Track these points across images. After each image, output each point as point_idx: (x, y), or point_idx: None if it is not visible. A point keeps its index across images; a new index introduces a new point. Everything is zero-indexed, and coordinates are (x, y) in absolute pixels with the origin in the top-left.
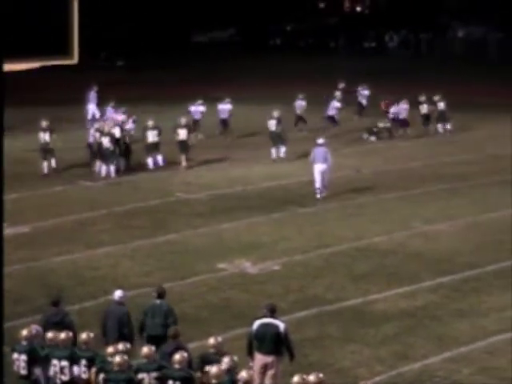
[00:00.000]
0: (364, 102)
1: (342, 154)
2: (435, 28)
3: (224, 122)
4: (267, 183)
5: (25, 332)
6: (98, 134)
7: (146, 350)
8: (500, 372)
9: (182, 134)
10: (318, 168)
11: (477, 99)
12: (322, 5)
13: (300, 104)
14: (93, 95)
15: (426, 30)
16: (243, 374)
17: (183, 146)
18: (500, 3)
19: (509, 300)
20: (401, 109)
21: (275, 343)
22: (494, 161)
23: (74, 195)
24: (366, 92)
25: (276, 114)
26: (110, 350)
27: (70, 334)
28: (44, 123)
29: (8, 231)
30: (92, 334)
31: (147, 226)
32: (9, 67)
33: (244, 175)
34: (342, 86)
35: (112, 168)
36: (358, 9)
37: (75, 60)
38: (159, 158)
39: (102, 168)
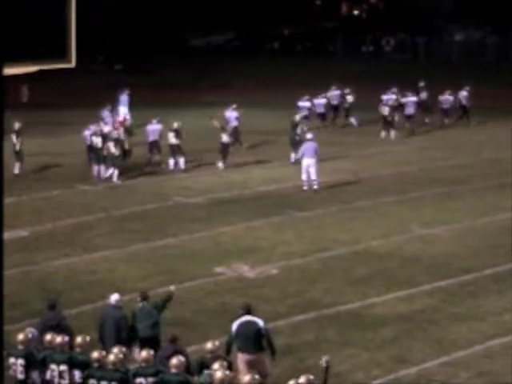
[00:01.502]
0: (464, 102)
1: (339, 158)
2: (432, 31)
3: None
4: (265, 187)
5: (21, 336)
6: (94, 138)
7: (144, 353)
8: (498, 376)
9: (171, 137)
10: (307, 162)
11: (474, 102)
12: (319, 9)
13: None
14: (124, 98)
15: (422, 34)
16: (246, 379)
17: (175, 148)
18: (497, 6)
19: (506, 304)
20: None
21: (258, 340)
22: (491, 164)
23: (71, 199)
24: (465, 93)
25: (298, 117)
26: (96, 355)
27: (66, 338)
28: (17, 125)
29: (5, 235)
30: (88, 338)
31: (145, 230)
32: (6, 71)
33: (242, 179)
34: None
35: (116, 172)
36: (356, 12)
37: (73, 64)
38: (181, 160)
39: (101, 171)
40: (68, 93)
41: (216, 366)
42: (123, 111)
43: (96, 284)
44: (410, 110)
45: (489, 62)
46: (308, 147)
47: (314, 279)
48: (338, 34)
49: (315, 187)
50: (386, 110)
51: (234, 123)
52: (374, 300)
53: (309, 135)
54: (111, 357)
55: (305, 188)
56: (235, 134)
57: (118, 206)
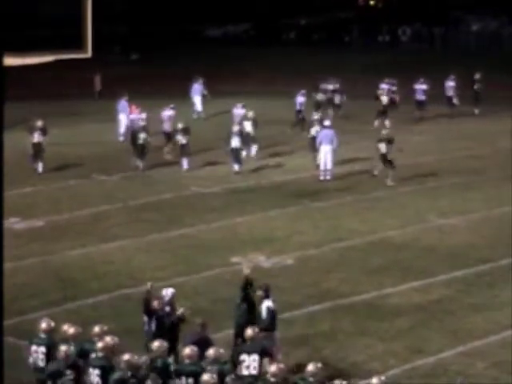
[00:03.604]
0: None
1: (356, 148)
2: (448, 22)
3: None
4: (281, 177)
5: (43, 325)
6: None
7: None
8: None
9: (247, 125)
10: (324, 149)
11: (490, 93)
12: None
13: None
14: (197, 87)
15: (439, 24)
16: (273, 368)
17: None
18: None
19: None
20: None
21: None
22: (508, 155)
23: (88, 189)
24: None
25: (316, 116)
26: (100, 344)
27: (80, 329)
28: (39, 123)
29: (22, 225)
30: (106, 327)
31: (162, 220)
32: (23, 61)
33: (258, 169)
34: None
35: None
36: (372, 2)
37: (89, 54)
38: (254, 148)
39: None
40: (84, 83)
41: (211, 351)
42: (197, 100)
43: (113, 274)
44: (420, 97)
45: (505, 52)
46: (326, 134)
47: (330, 269)
48: (354, 24)
49: (328, 177)
50: (385, 100)
51: (299, 108)
52: (390, 290)
53: (326, 122)
54: (155, 344)
55: (321, 178)
56: (300, 118)
57: (134, 195)
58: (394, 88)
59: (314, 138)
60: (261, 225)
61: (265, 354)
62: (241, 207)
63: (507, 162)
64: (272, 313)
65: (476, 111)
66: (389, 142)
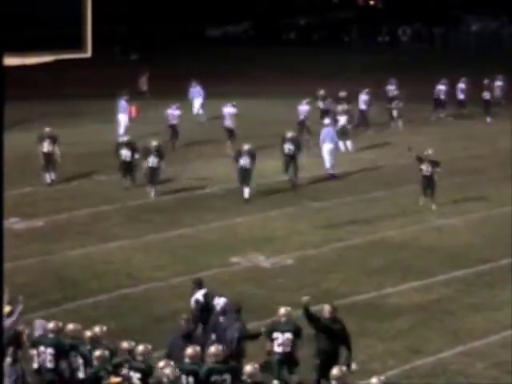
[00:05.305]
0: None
1: (357, 148)
2: (448, 22)
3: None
4: (280, 177)
5: (51, 325)
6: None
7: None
8: None
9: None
10: (327, 147)
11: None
12: None
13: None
14: (193, 90)
15: (438, 24)
16: (249, 369)
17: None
18: None
19: None
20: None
21: None
22: (508, 155)
23: (87, 189)
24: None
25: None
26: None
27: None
28: (47, 129)
29: (22, 225)
30: (105, 328)
31: (161, 220)
32: (23, 62)
33: (257, 169)
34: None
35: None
36: (372, 2)
37: (88, 54)
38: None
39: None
40: (85, 83)
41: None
42: (196, 104)
43: (112, 274)
44: (460, 97)
45: (505, 53)
46: (327, 133)
47: (330, 269)
48: (354, 24)
49: (327, 176)
50: None
51: (363, 107)
52: (390, 290)
53: (326, 121)
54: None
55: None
56: (363, 117)
57: (134, 196)
58: (445, 88)
59: (286, 156)
60: (260, 225)
61: (298, 333)
62: (240, 207)
63: (507, 162)
64: (201, 305)
65: (488, 119)
66: (432, 162)
